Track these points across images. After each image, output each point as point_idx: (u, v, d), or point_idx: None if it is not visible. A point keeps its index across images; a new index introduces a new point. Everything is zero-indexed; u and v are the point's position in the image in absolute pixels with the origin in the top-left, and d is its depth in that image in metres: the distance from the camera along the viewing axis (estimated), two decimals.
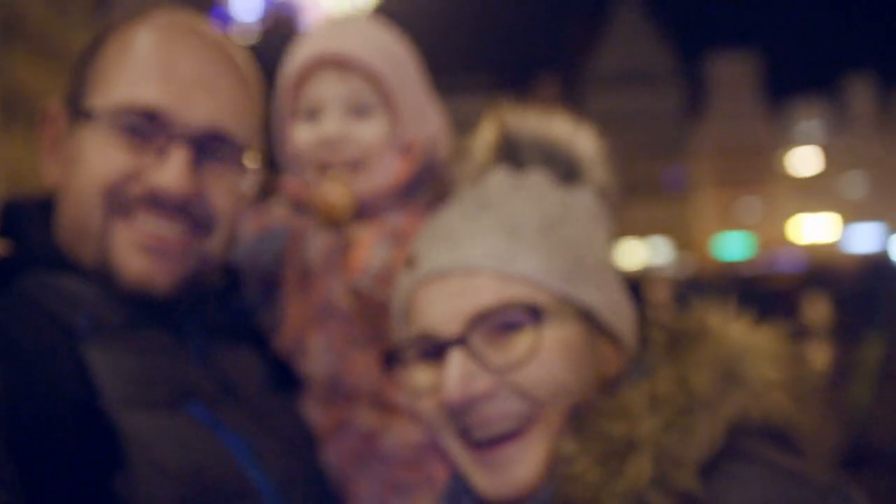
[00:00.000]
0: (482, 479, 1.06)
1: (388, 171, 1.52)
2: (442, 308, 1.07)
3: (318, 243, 1.52)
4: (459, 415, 1.04)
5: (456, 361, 1.04)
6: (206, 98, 1.21)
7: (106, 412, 1.08)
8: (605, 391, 1.05)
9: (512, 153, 1.17)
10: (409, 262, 1.14)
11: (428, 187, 1.51)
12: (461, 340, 1.04)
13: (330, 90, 1.52)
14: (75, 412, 1.05)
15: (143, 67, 1.20)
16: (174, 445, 1.12)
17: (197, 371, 1.24)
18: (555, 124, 1.18)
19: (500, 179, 1.16)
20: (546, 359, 1.04)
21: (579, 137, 1.18)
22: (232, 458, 1.17)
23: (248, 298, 1.56)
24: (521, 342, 1.04)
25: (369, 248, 1.44)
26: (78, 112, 1.22)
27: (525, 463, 1.04)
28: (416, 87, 1.59)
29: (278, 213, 1.62)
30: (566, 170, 1.16)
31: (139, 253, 1.18)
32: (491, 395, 1.04)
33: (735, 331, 1.04)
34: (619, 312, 1.13)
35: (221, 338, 1.34)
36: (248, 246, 1.57)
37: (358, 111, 1.52)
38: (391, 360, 1.13)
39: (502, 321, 1.05)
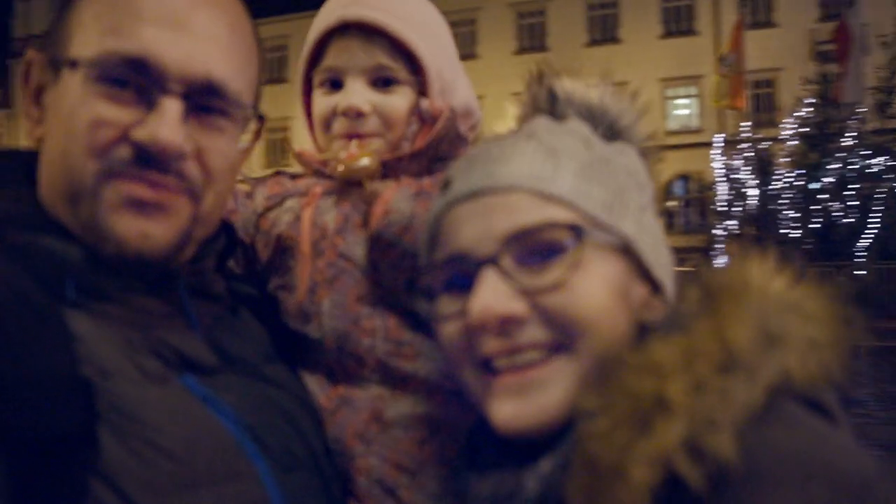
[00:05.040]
0: (501, 408, 0.97)
1: (410, 139, 1.45)
2: (474, 228, 0.99)
3: (337, 202, 1.45)
4: (484, 339, 0.97)
5: (486, 280, 0.96)
6: (200, 47, 1.10)
7: (94, 383, 0.99)
8: (636, 343, 0.95)
9: (552, 108, 1.12)
10: (443, 186, 1.07)
11: (451, 157, 1.44)
12: (493, 260, 0.96)
13: (353, 59, 1.44)
14: (62, 383, 0.95)
15: (132, 12, 1.08)
16: (166, 419, 1.02)
17: (192, 340, 1.14)
18: (592, 87, 1.12)
19: (543, 120, 1.10)
20: (583, 285, 0.95)
21: (617, 100, 1.12)
22: (226, 434, 1.08)
23: (259, 264, 1.49)
24: (558, 266, 0.95)
25: (391, 199, 1.36)
26: (59, 60, 1.11)
27: (550, 391, 0.95)
28: (446, 56, 1.50)
29: (296, 178, 1.55)
30: (606, 129, 1.10)
31: (129, 213, 1.08)
32: (521, 319, 0.95)
33: (778, 286, 0.93)
34: (658, 256, 1.05)
35: (220, 305, 1.25)
36: (266, 211, 1.50)
37: (383, 82, 1.44)
38: (416, 288, 1.04)
39: (539, 243, 0.97)
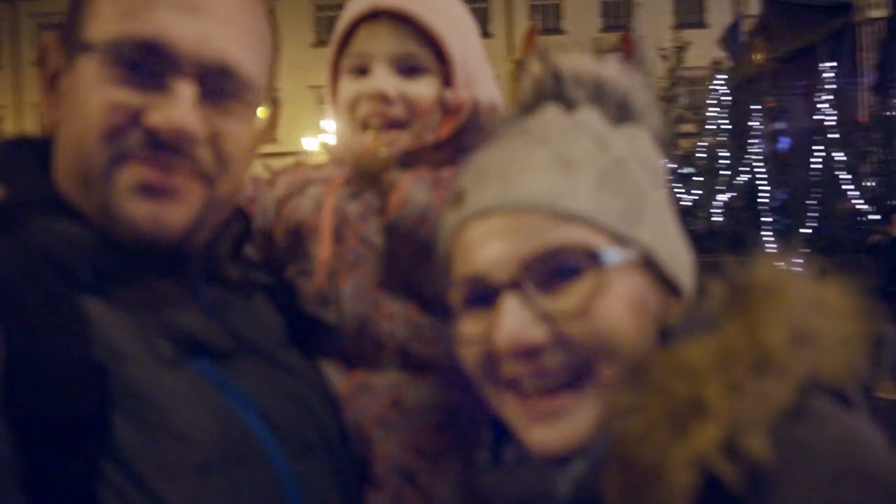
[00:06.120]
0: (534, 433, 0.98)
1: (431, 130, 1.46)
2: (492, 250, 0.99)
3: (356, 191, 1.44)
4: (509, 364, 0.97)
5: (508, 307, 0.96)
6: (214, 30, 1.08)
7: (107, 366, 0.98)
8: (661, 342, 0.97)
9: (559, 91, 1.09)
10: (456, 199, 1.07)
11: (474, 149, 1.40)
12: (514, 285, 0.97)
13: (381, 45, 1.45)
14: (75, 366, 0.95)
15: None
16: (178, 403, 1.02)
17: (205, 324, 1.14)
18: (600, 63, 1.10)
19: (553, 115, 1.08)
20: (603, 310, 0.96)
21: (627, 76, 1.10)
22: (238, 419, 1.08)
23: (278, 251, 1.47)
24: (578, 290, 0.96)
25: (408, 189, 1.36)
26: (73, 45, 1.09)
27: (581, 415, 0.96)
28: (472, 48, 1.53)
29: (317, 166, 1.54)
30: (617, 109, 1.08)
31: (142, 197, 1.07)
32: (545, 346, 0.96)
33: (804, 284, 0.94)
34: (677, 259, 1.06)
35: (235, 289, 1.23)
36: (287, 199, 1.48)
37: (409, 70, 1.45)
38: (435, 304, 1.02)
39: (559, 265, 0.97)
